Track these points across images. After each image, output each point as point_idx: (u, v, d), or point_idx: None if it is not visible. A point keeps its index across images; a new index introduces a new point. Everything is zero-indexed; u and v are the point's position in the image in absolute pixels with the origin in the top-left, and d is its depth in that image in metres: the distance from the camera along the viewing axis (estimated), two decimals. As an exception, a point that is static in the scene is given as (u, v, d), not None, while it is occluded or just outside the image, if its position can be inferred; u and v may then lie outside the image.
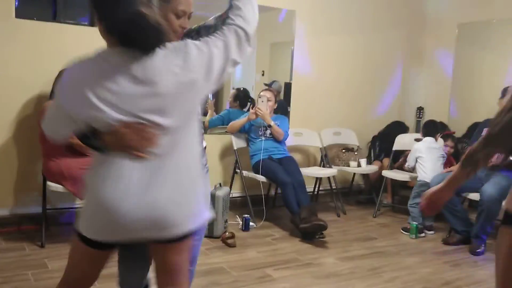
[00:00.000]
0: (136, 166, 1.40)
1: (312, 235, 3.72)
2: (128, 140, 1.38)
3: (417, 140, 4.43)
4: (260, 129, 4.30)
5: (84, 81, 1.35)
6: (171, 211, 1.44)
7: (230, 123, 4.38)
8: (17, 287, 2.64)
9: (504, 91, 3.91)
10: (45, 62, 3.49)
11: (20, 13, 3.47)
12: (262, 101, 4.18)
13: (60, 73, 2.68)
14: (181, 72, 1.39)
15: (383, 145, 5.08)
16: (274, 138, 4.28)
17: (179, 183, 1.46)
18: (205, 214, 1.59)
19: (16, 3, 3.45)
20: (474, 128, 4.77)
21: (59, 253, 3.14)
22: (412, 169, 4.37)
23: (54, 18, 3.69)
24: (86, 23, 3.74)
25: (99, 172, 1.43)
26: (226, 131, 4.48)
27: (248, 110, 4.62)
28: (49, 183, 3.26)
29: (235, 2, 1.56)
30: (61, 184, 3.18)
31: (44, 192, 3.39)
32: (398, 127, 5.16)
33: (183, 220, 1.47)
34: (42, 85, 3.47)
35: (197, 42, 1.45)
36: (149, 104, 1.37)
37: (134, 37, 1.32)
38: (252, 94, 4.86)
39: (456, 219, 3.85)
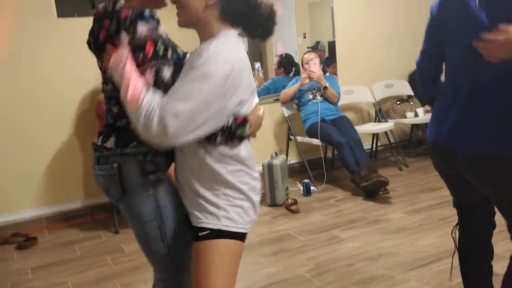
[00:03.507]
0: None
1: (374, 192, 3.66)
2: (259, 124, 1.47)
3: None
4: (310, 92, 4.24)
5: (246, 62, 1.38)
6: None
7: (283, 92, 4.33)
8: (99, 273, 2.80)
9: None
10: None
11: (61, 12, 3.56)
12: (314, 63, 4.10)
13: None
14: None
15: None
16: (326, 99, 4.22)
17: None
18: None
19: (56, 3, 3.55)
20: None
21: (132, 237, 3.28)
22: None
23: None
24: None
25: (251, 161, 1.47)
26: (275, 100, 4.46)
27: (294, 75, 4.56)
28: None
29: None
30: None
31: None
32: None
33: None
34: (94, 80, 3.58)
35: None
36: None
37: (269, 30, 1.42)
38: (296, 59, 4.77)
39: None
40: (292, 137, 4.34)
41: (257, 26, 1.41)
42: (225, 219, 1.42)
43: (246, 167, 1.44)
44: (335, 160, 4.57)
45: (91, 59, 1.49)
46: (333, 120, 4.15)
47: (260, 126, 1.48)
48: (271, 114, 4.50)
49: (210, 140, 1.35)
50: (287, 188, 3.82)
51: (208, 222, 1.42)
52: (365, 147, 4.04)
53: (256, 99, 1.46)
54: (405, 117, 4.67)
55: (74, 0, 3.62)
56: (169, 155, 1.47)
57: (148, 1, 1.40)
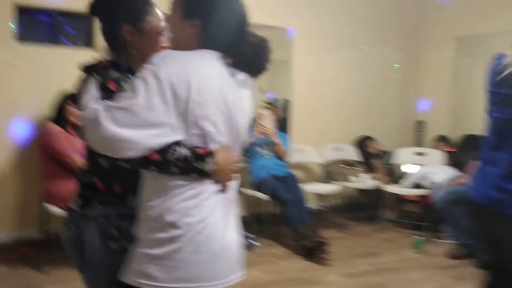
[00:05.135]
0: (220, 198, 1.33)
1: (313, 252, 3.69)
2: (229, 168, 1.31)
3: (419, 154, 4.44)
4: (261, 147, 4.30)
5: (214, 76, 1.26)
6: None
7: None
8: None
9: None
10: (45, 84, 3.52)
11: (22, 38, 3.53)
12: (268, 120, 4.19)
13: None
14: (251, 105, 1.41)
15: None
16: (275, 155, 4.29)
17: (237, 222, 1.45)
18: None
19: (18, 29, 3.51)
20: (469, 140, 4.79)
21: (61, 276, 3.11)
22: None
23: (54, 41, 3.76)
24: (82, 45, 3.82)
25: (205, 205, 1.28)
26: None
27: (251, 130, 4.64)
28: (49, 206, 3.25)
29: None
30: (61, 207, 3.17)
31: (44, 215, 3.38)
32: (364, 140, 5.14)
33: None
34: (43, 108, 3.49)
35: None
36: (243, 128, 1.35)
37: (259, 64, 1.34)
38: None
39: (461, 233, 3.82)
40: (239, 189, 4.33)
41: (243, 62, 1.32)
42: (139, 273, 1.25)
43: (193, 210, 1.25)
44: (279, 217, 4.58)
45: (42, 84, 1.52)
46: (280, 176, 4.21)
47: (230, 172, 1.31)
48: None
49: (163, 168, 1.23)
50: (228, 240, 3.77)
51: (123, 273, 1.28)
52: (310, 207, 4.09)
53: (225, 141, 1.30)
54: (350, 181, 4.81)
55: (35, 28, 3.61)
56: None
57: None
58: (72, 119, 3.30)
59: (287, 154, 4.34)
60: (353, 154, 5.05)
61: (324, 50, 4.97)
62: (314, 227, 3.78)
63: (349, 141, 5.13)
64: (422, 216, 4.57)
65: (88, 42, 3.81)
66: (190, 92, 1.20)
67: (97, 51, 1.49)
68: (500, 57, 1.67)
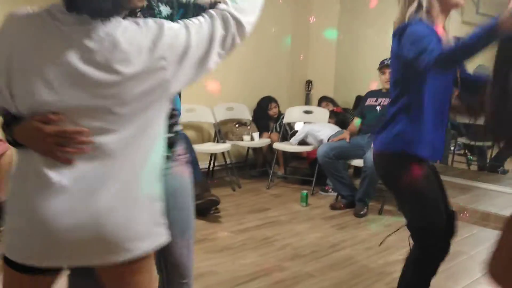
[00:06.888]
0: (67, 171, 1.12)
1: (206, 211, 3.72)
2: (47, 141, 1.11)
3: (307, 112, 4.62)
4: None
5: (24, 37, 1.12)
6: (119, 228, 1.16)
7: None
8: None
9: (382, 64, 4.16)
10: None
11: None
12: None
13: None
14: (147, 55, 1.14)
15: (261, 121, 5.17)
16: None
17: (128, 195, 1.18)
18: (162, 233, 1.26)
19: None
20: (357, 100, 5.09)
21: None
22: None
23: None
24: None
25: (24, 174, 1.15)
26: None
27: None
28: None
29: None
30: None
31: None
32: (268, 101, 5.25)
33: (134, 239, 1.19)
34: None
35: (175, 25, 1.20)
36: (97, 95, 1.11)
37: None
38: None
39: (341, 185, 4.09)
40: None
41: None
42: None
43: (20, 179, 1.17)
44: (171, 177, 4.54)
45: None
46: (171, 136, 4.14)
47: (53, 144, 1.11)
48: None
49: None
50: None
51: None
52: (202, 166, 4.09)
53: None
54: (242, 140, 4.88)
55: None
56: None
57: None
58: None
59: (177, 114, 4.25)
60: (246, 113, 5.10)
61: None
62: (206, 186, 3.80)
63: (242, 101, 5.17)
64: (309, 171, 4.82)
65: None
66: (10, 63, 1.11)
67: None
68: None
